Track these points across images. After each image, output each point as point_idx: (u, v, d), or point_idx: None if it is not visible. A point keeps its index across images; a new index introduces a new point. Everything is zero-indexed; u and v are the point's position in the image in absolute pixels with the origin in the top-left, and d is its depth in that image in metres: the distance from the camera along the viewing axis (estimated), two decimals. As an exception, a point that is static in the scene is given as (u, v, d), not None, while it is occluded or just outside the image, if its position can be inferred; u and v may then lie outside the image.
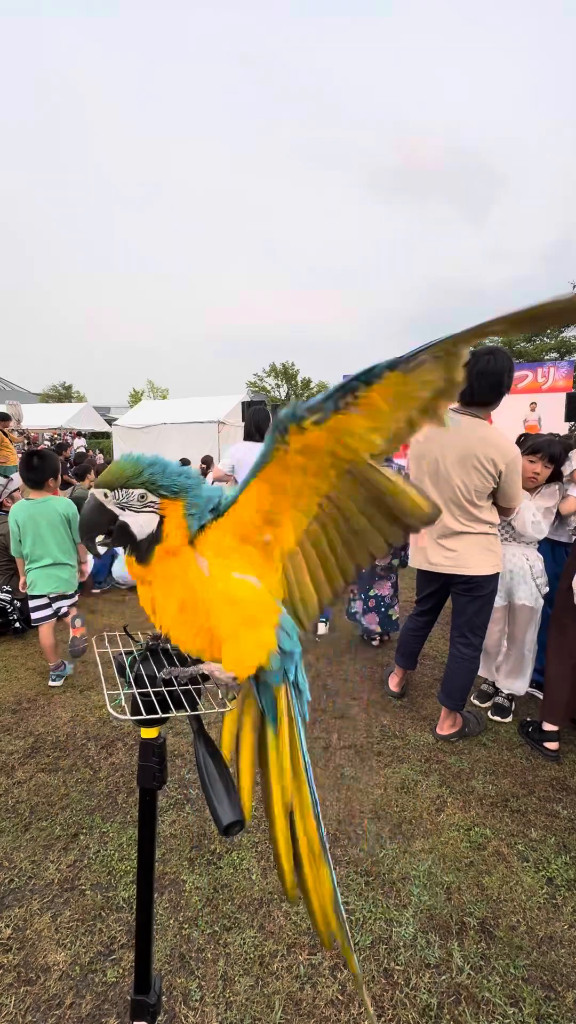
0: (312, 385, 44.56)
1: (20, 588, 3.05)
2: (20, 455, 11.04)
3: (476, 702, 2.74)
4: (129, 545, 0.76)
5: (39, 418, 18.96)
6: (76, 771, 2.19)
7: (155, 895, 1.58)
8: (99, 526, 0.75)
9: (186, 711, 0.76)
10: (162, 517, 0.75)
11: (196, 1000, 1.31)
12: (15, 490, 3.98)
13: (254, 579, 0.77)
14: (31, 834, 1.85)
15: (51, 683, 2.95)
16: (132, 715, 0.75)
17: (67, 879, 1.67)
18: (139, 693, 0.76)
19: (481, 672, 2.64)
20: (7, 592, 3.69)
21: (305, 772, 0.82)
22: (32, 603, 2.97)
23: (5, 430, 7.42)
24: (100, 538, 0.77)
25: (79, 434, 18.67)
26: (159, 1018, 1.27)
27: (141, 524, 0.74)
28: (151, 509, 0.74)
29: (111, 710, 0.75)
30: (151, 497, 0.74)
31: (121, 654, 0.84)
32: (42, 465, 2.94)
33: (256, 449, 4.02)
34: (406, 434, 0.67)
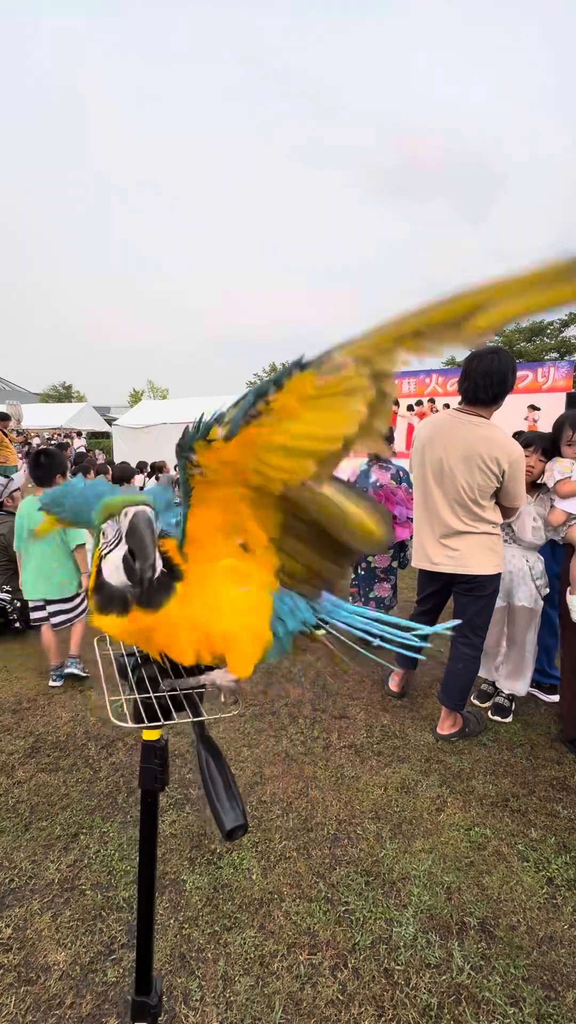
0: (312, 385, 44.47)
1: (21, 586, 3.05)
2: (21, 455, 11.01)
3: (476, 702, 2.74)
4: (135, 589, 0.66)
5: (39, 418, 18.98)
6: (76, 771, 2.19)
7: (155, 895, 1.58)
8: (151, 548, 0.65)
9: (189, 716, 0.76)
10: (164, 553, 0.69)
11: (196, 1000, 1.31)
12: (15, 490, 3.98)
13: (242, 587, 0.74)
14: (31, 834, 1.85)
15: (51, 683, 2.94)
16: (134, 720, 0.74)
17: (67, 879, 1.67)
18: (142, 698, 0.75)
19: (481, 672, 2.64)
20: (7, 592, 3.69)
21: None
22: (30, 603, 2.97)
23: (5, 430, 7.42)
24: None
25: (79, 434, 18.67)
26: (159, 1018, 1.27)
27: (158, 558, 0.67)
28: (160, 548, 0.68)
29: (113, 719, 0.72)
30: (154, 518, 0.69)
31: (123, 656, 0.83)
32: (49, 463, 2.95)
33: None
34: (341, 454, 0.61)
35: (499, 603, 2.53)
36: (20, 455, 11.13)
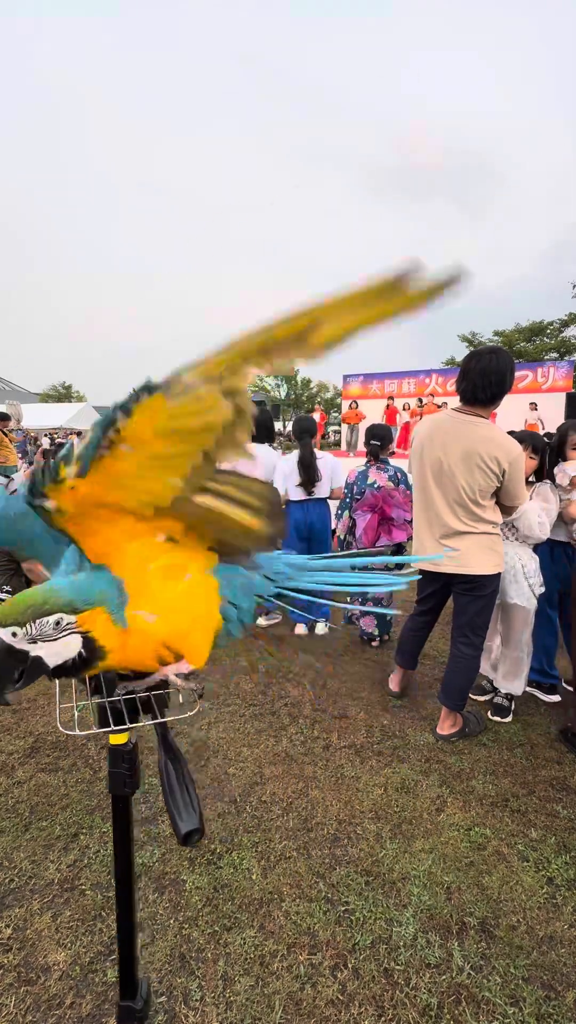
0: (312, 385, 44.53)
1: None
2: (20, 454, 10.98)
3: (473, 696, 2.75)
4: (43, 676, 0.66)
5: (39, 418, 18.98)
6: (76, 771, 2.18)
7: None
8: (11, 673, 0.63)
9: (151, 719, 0.75)
10: (85, 634, 0.65)
11: (196, 1000, 1.31)
12: (15, 490, 3.97)
13: (184, 575, 0.72)
14: (31, 834, 1.85)
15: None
16: (100, 725, 0.73)
17: (67, 879, 1.67)
18: (99, 702, 0.74)
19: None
20: (7, 592, 3.69)
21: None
22: None
23: (5, 430, 7.42)
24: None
25: (79, 434, 18.67)
26: (159, 1018, 1.27)
27: (58, 652, 0.64)
28: (70, 631, 0.64)
29: (60, 727, 0.71)
30: (68, 619, 0.64)
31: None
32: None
33: (256, 450, 4.02)
34: (204, 467, 0.61)
35: None
36: (20, 454, 11.14)
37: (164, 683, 0.77)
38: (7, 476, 4.39)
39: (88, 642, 0.65)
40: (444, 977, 1.37)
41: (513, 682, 2.57)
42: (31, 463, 9.32)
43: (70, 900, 1.59)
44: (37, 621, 0.62)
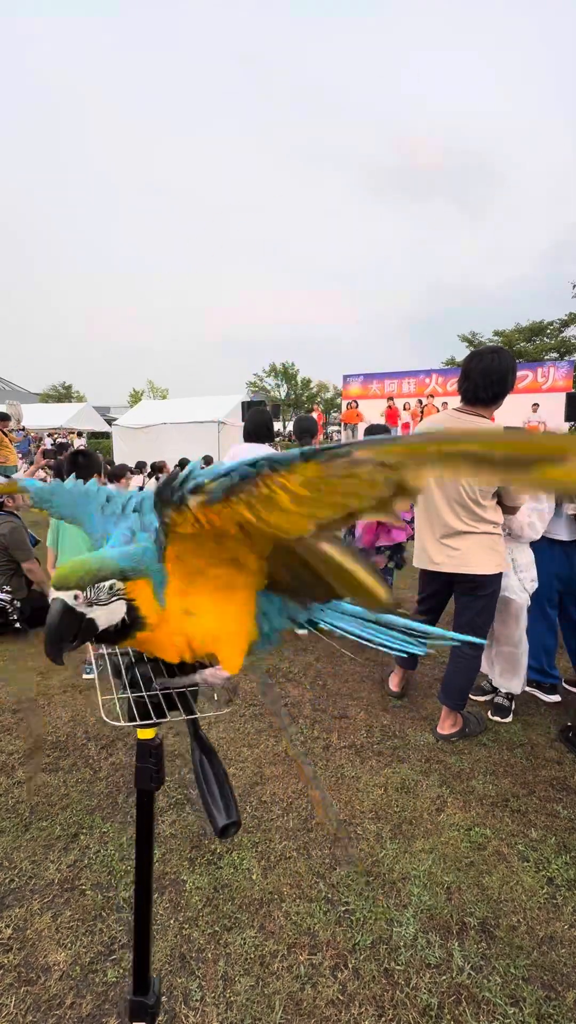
0: (312, 385, 44.54)
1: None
2: (21, 455, 10.97)
3: (472, 696, 2.75)
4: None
5: (39, 418, 18.97)
6: (76, 771, 2.19)
7: (155, 895, 1.58)
8: (70, 635, 0.66)
9: (182, 714, 0.76)
10: (130, 602, 0.68)
11: (196, 1000, 1.31)
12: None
13: (227, 593, 0.74)
14: (31, 834, 1.85)
15: (84, 676, 3.05)
16: (128, 719, 0.75)
17: (67, 879, 1.67)
18: (135, 696, 0.76)
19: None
20: (7, 592, 3.69)
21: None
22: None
23: (5, 430, 7.43)
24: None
25: (80, 434, 18.67)
26: (159, 1018, 1.27)
27: (108, 616, 0.68)
28: (118, 597, 0.67)
29: (104, 717, 0.73)
30: (119, 585, 0.67)
31: (116, 655, 0.83)
32: (87, 463, 3.11)
33: (256, 450, 4.04)
34: (346, 521, 0.57)
35: None
36: (20, 454, 11.13)
37: (196, 682, 0.80)
38: (7, 476, 4.37)
39: (132, 610, 0.68)
40: (444, 977, 1.37)
41: (511, 680, 2.56)
42: (32, 463, 9.32)
43: (70, 900, 1.59)
44: (95, 586, 0.66)
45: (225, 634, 0.74)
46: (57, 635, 0.65)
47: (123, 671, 0.80)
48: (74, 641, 0.67)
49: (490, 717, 2.58)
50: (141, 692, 0.76)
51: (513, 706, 2.61)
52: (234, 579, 0.74)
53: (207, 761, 0.74)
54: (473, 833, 1.84)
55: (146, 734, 0.77)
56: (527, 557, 2.53)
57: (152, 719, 0.75)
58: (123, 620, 0.68)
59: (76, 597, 0.65)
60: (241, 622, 0.76)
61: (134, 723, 0.74)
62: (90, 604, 0.66)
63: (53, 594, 0.65)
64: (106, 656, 0.84)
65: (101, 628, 0.68)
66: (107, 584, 0.66)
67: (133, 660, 0.81)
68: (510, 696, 2.61)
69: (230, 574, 0.73)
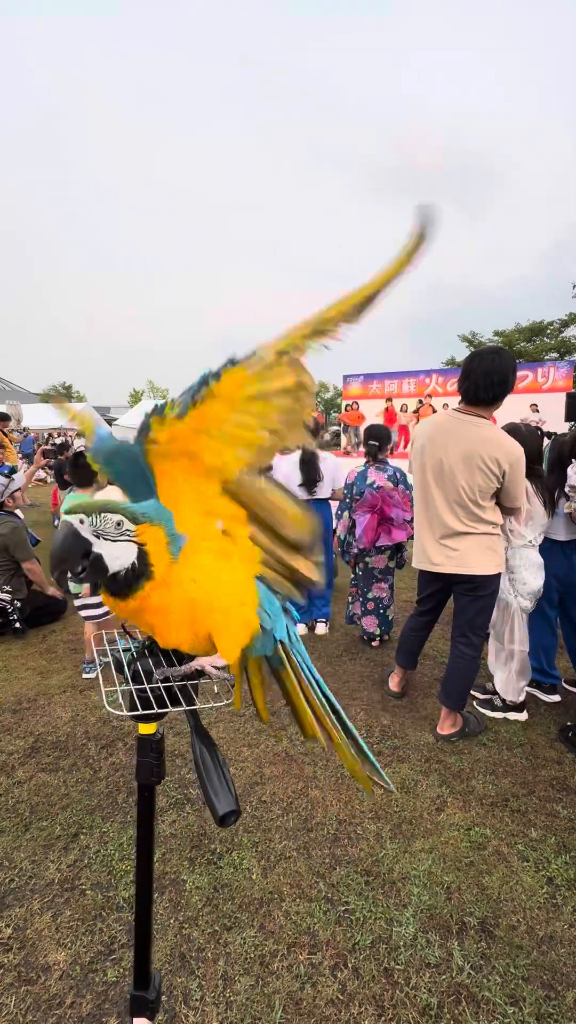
0: (312, 385, 44.48)
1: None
2: (21, 456, 10.95)
3: (476, 693, 2.75)
4: (102, 580, 0.70)
5: (39, 418, 18.96)
6: (76, 771, 2.19)
7: (155, 895, 1.58)
8: (73, 558, 0.68)
9: (183, 706, 0.77)
10: (141, 546, 0.70)
11: (196, 1000, 1.32)
12: (16, 490, 3.98)
13: (229, 565, 0.78)
14: (31, 834, 1.85)
15: (84, 675, 3.05)
16: (130, 711, 0.75)
17: (67, 879, 1.67)
18: (137, 689, 0.76)
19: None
20: (7, 592, 3.69)
21: (316, 686, 0.92)
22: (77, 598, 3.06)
23: (5, 430, 7.42)
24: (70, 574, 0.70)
25: (80, 434, 18.65)
26: (159, 1017, 1.27)
27: (117, 555, 0.69)
28: (127, 538, 0.69)
29: (108, 707, 0.75)
30: (128, 524, 0.69)
31: (119, 650, 0.84)
32: (89, 463, 3.05)
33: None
34: (270, 447, 0.72)
35: None
36: (21, 455, 11.14)
37: (198, 673, 0.80)
38: (7, 476, 4.35)
39: (142, 555, 0.70)
40: (444, 977, 1.37)
41: (509, 688, 2.56)
42: (31, 463, 9.32)
43: (70, 900, 1.59)
44: (102, 515, 0.69)
45: (224, 608, 0.76)
46: (60, 556, 0.68)
47: (125, 665, 0.80)
48: (82, 573, 0.69)
49: (477, 707, 2.59)
50: (143, 685, 0.77)
51: (501, 703, 2.61)
52: (229, 548, 0.78)
53: (207, 752, 0.75)
54: (473, 833, 1.84)
55: (147, 729, 0.78)
56: (517, 560, 2.49)
57: (154, 710, 0.75)
58: (133, 565, 0.70)
59: (81, 521, 0.68)
60: (242, 601, 0.78)
61: (136, 713, 0.75)
62: (97, 535, 0.69)
63: (62, 518, 0.70)
64: (109, 652, 0.85)
65: (111, 570, 0.70)
66: (114, 518, 0.69)
67: (135, 656, 0.82)
68: (504, 700, 2.61)
69: (229, 546, 0.79)
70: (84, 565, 0.69)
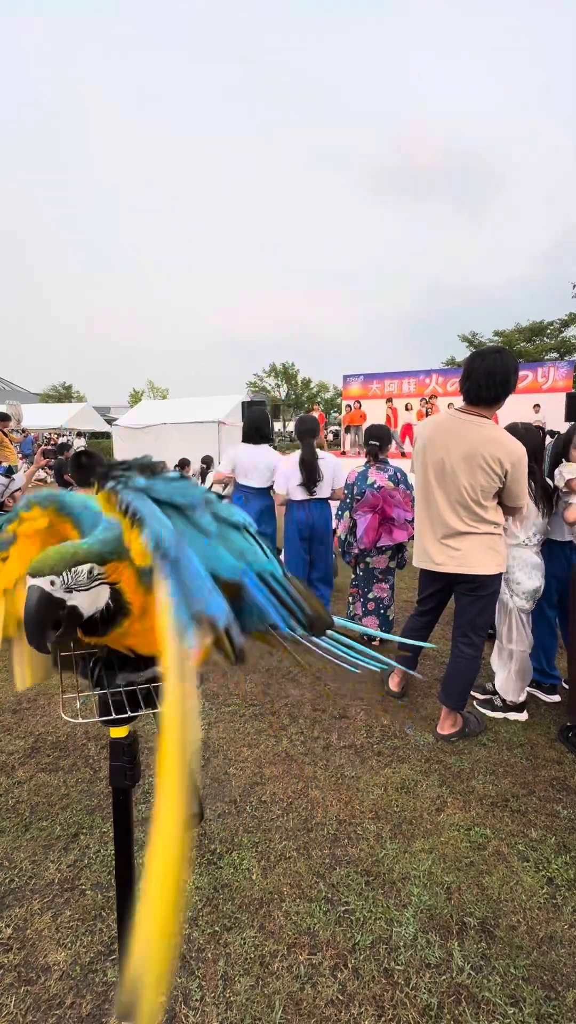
0: (312, 385, 44.54)
1: None
2: (21, 456, 10.93)
3: (475, 693, 2.75)
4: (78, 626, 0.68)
5: (39, 418, 18.97)
6: (76, 771, 2.19)
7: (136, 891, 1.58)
8: (49, 622, 0.65)
9: (153, 708, 0.76)
10: (113, 585, 0.68)
11: (196, 1000, 1.31)
12: (16, 490, 3.98)
13: None
14: (31, 834, 1.85)
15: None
16: (101, 715, 0.75)
17: (67, 879, 1.67)
18: (110, 693, 0.76)
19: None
20: (7, 592, 3.70)
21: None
22: None
23: (5, 430, 7.42)
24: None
25: (80, 434, 18.66)
26: (159, 1018, 1.27)
27: (91, 601, 0.67)
28: (100, 581, 0.67)
29: (64, 715, 0.73)
30: (98, 569, 0.67)
31: (84, 656, 0.83)
32: (91, 464, 3.11)
33: (255, 450, 4.02)
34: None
35: None
36: (22, 455, 11.14)
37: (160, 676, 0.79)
38: (7, 476, 4.36)
39: (115, 593, 0.69)
40: (444, 977, 1.37)
41: (509, 689, 2.56)
42: (31, 463, 9.32)
43: (70, 900, 1.59)
44: (72, 570, 0.65)
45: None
46: (36, 623, 0.64)
47: (90, 670, 0.80)
48: (59, 629, 0.66)
49: (477, 707, 2.60)
50: (105, 689, 0.76)
51: (499, 703, 2.61)
52: None
53: None
54: (473, 833, 1.84)
55: (119, 732, 0.78)
56: (511, 560, 2.48)
57: (127, 713, 0.75)
58: (108, 605, 0.68)
59: (52, 583, 0.64)
60: None
61: (107, 718, 0.74)
62: (69, 590, 0.65)
63: (29, 582, 0.64)
64: (72, 657, 0.83)
65: (87, 615, 0.67)
66: (85, 568, 0.66)
67: (101, 658, 0.81)
68: (505, 700, 2.61)
69: None
70: (60, 619, 0.66)
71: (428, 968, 1.39)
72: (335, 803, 1.98)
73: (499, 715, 2.57)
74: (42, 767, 2.22)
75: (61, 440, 16.29)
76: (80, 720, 0.74)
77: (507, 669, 2.56)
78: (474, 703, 2.65)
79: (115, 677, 0.78)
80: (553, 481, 2.55)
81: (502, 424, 2.39)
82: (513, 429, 2.47)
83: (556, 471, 2.53)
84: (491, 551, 2.24)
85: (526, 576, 2.48)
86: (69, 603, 0.65)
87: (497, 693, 2.63)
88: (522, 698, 2.57)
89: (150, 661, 0.81)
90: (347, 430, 14.07)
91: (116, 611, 0.69)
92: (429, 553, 2.34)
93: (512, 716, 2.57)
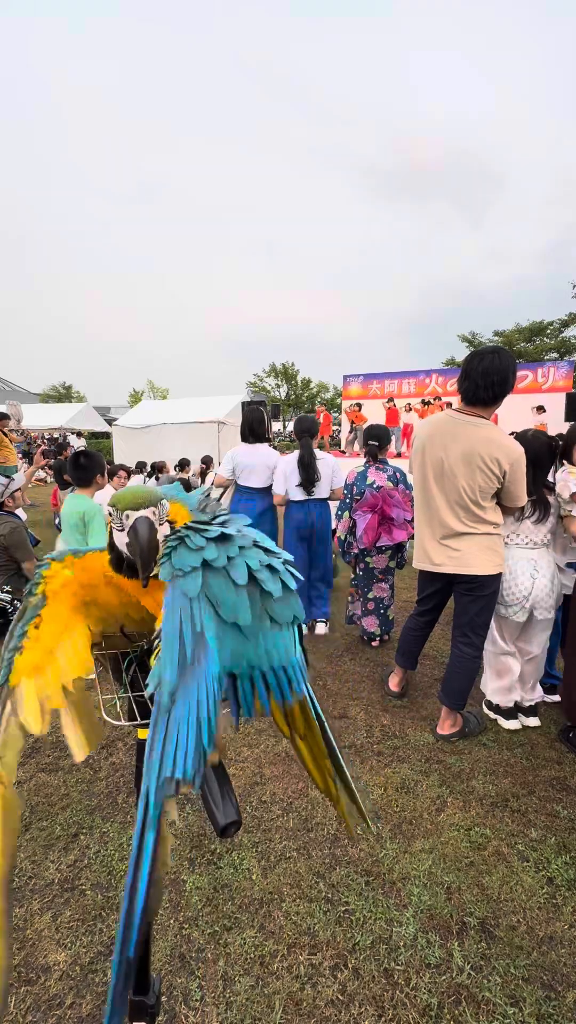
0: (312, 385, 44.54)
1: None
2: (21, 455, 10.92)
3: (487, 709, 2.70)
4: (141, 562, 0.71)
5: (39, 418, 18.97)
6: (76, 771, 2.18)
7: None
8: (157, 547, 0.70)
9: None
10: (172, 523, 0.74)
11: (196, 1000, 1.31)
12: (16, 490, 3.98)
13: None
14: (31, 834, 1.85)
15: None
16: (129, 719, 0.75)
17: (67, 879, 1.67)
18: (135, 696, 0.76)
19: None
20: (7, 592, 3.69)
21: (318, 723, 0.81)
22: None
23: (5, 430, 7.42)
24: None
25: (79, 434, 18.66)
26: (159, 1018, 1.27)
27: (164, 533, 0.72)
28: (167, 517, 0.74)
29: (105, 716, 0.73)
30: (167, 507, 0.74)
31: (117, 656, 0.83)
32: (89, 464, 3.12)
33: (254, 451, 4.00)
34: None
35: None
36: (20, 454, 11.13)
37: None
38: (7, 476, 4.35)
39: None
40: (444, 977, 1.37)
41: (492, 689, 2.55)
42: (31, 463, 9.33)
43: (70, 900, 1.59)
44: (162, 503, 0.72)
45: None
46: (150, 548, 0.68)
47: (123, 671, 0.80)
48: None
49: (504, 725, 2.51)
50: (141, 692, 0.76)
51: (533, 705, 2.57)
52: None
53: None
54: (473, 833, 1.84)
55: (145, 734, 0.77)
56: (518, 567, 2.40)
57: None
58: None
59: (154, 513, 0.70)
60: None
61: (134, 723, 0.74)
62: (162, 522, 0.72)
63: (133, 515, 0.69)
64: (107, 658, 0.84)
65: (162, 549, 0.71)
66: (166, 505, 0.73)
67: (134, 660, 0.82)
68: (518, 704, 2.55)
69: None
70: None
71: (428, 968, 1.39)
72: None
73: (515, 724, 2.50)
74: (42, 767, 2.22)
75: (53, 436, 16.24)
76: (122, 723, 0.74)
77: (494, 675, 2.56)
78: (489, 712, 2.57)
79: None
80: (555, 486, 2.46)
81: (506, 429, 2.38)
82: (522, 437, 2.43)
83: (559, 475, 2.41)
84: (490, 551, 2.24)
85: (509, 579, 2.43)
86: (161, 534, 0.71)
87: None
88: (519, 701, 2.56)
89: None
90: (351, 428, 14.08)
91: None
92: (428, 553, 2.34)
93: (550, 699, 2.63)
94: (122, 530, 0.71)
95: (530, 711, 2.55)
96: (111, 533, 0.74)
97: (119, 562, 0.73)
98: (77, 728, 0.75)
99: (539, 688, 2.60)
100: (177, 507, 0.76)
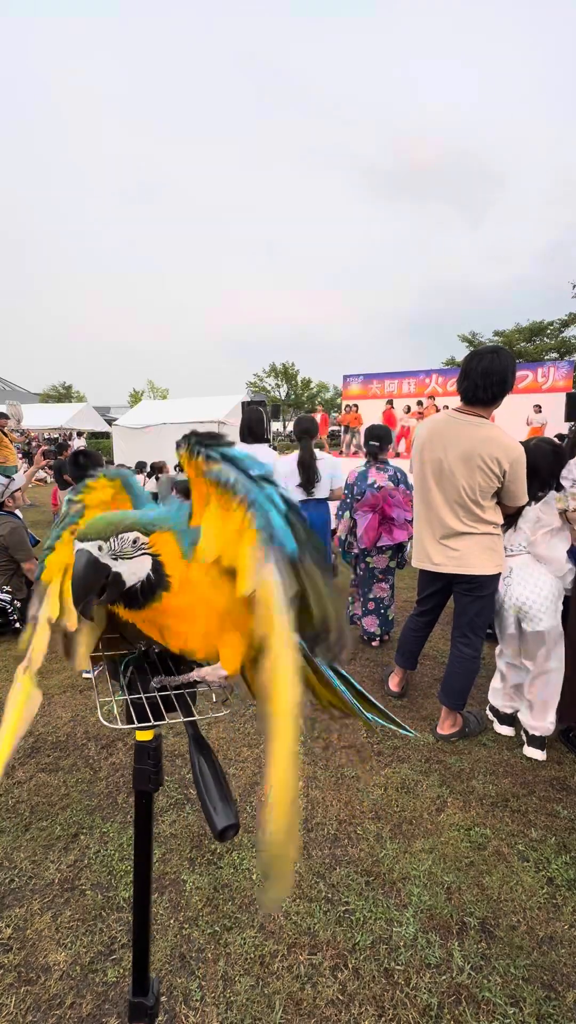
0: (312, 385, 44.55)
1: None
2: (21, 455, 10.94)
3: (496, 722, 2.56)
4: (119, 596, 0.69)
5: (39, 418, 18.97)
6: (76, 771, 2.19)
7: (155, 895, 1.58)
8: (96, 586, 0.66)
9: (180, 716, 0.76)
10: (155, 557, 0.69)
11: (196, 1000, 1.31)
12: (16, 490, 3.98)
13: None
14: (31, 834, 1.85)
15: (84, 675, 3.03)
16: (125, 721, 0.74)
17: (67, 879, 1.67)
18: (133, 698, 0.75)
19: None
20: (7, 592, 3.69)
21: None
22: None
23: (5, 430, 7.42)
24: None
25: (79, 434, 18.66)
26: (159, 1018, 1.27)
27: (134, 571, 0.68)
28: (143, 551, 0.68)
29: (101, 719, 0.73)
30: (142, 539, 0.68)
31: (115, 658, 0.83)
32: (88, 463, 3.14)
33: (251, 451, 4.00)
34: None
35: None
36: (20, 455, 11.13)
37: (196, 682, 0.79)
38: (7, 476, 4.36)
39: (157, 565, 0.69)
40: (444, 977, 1.37)
41: (491, 691, 2.53)
42: (31, 463, 9.33)
43: (70, 900, 1.59)
44: (119, 536, 0.66)
45: (235, 619, 0.73)
46: (84, 587, 0.65)
47: (121, 673, 0.79)
48: (101, 595, 0.67)
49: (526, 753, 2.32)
50: (139, 694, 0.76)
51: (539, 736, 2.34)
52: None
53: (205, 763, 0.74)
54: (473, 833, 1.84)
55: (144, 736, 0.77)
56: (517, 571, 2.32)
57: (150, 721, 0.74)
58: (149, 577, 0.69)
59: (100, 548, 0.65)
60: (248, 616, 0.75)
61: (132, 726, 0.74)
62: (115, 557, 0.66)
63: (77, 546, 0.65)
64: (105, 660, 0.83)
65: (128, 585, 0.68)
66: (131, 536, 0.67)
67: (132, 662, 0.81)
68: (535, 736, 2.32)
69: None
70: (104, 586, 0.67)
71: (428, 968, 1.39)
72: (335, 803, 1.98)
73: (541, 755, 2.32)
74: (42, 767, 2.22)
75: (54, 436, 16.24)
76: (119, 726, 0.74)
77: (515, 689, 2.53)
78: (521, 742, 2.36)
79: (148, 681, 0.77)
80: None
81: (504, 429, 2.36)
82: (523, 447, 2.36)
83: (565, 471, 2.31)
84: (490, 551, 2.24)
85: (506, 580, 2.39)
86: (114, 570, 0.66)
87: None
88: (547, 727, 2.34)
89: (182, 668, 0.80)
90: (345, 430, 14.07)
91: (156, 584, 0.69)
92: (428, 553, 2.34)
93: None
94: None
95: (506, 719, 2.46)
96: None
97: (100, 588, 0.70)
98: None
99: (551, 715, 2.28)
100: (164, 536, 0.70)
